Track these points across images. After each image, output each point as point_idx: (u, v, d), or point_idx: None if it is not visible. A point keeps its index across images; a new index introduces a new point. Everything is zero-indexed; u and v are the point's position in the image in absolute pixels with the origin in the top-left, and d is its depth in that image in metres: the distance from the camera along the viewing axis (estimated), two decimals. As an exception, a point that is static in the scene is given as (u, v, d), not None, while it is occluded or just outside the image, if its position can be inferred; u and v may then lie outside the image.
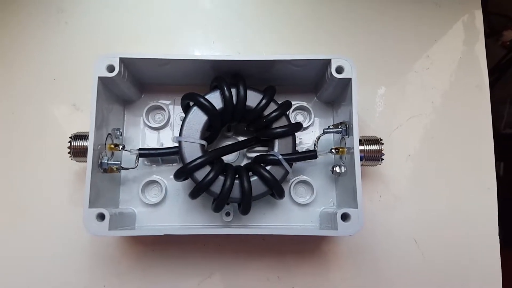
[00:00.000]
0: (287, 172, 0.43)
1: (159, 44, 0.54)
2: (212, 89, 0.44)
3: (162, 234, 0.39)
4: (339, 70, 0.41)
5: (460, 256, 0.49)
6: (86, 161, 0.39)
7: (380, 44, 0.55)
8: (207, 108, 0.42)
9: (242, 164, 0.47)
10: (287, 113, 0.45)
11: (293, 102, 0.47)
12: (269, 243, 0.49)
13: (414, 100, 0.53)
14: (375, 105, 0.53)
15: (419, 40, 0.55)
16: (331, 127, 0.45)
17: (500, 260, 0.49)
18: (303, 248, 0.49)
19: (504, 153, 0.53)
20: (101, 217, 0.39)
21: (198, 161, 0.41)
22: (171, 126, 0.50)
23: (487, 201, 0.51)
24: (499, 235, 0.50)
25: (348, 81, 0.42)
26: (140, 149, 0.45)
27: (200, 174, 0.41)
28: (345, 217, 0.39)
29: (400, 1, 0.56)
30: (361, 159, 0.41)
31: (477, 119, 0.53)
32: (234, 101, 0.42)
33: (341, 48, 0.55)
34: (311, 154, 0.44)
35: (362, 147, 0.42)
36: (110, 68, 0.41)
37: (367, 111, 0.52)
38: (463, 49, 0.55)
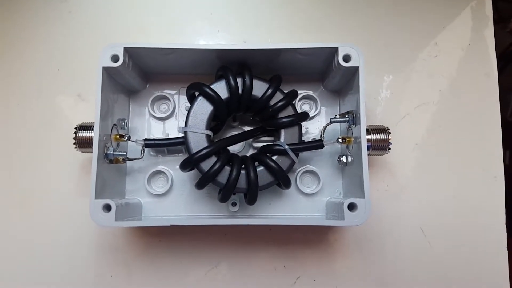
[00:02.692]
0: (293, 162, 0.43)
1: (164, 34, 0.54)
2: (217, 78, 0.44)
3: (169, 225, 0.39)
4: (346, 58, 0.41)
5: (466, 245, 0.49)
6: (91, 152, 0.39)
7: (387, 31, 0.54)
8: (212, 98, 0.42)
9: (248, 154, 0.47)
10: (293, 102, 0.44)
11: (299, 91, 0.47)
12: (275, 232, 0.49)
13: (422, 88, 0.52)
14: (382, 93, 0.52)
15: (427, 27, 0.54)
16: (338, 116, 0.45)
17: (507, 248, 0.49)
18: (309, 237, 0.49)
19: (511, 141, 0.53)
20: (107, 208, 0.39)
21: (204, 151, 0.41)
22: (176, 116, 0.49)
23: (494, 190, 0.50)
24: (505, 224, 0.50)
25: (355, 70, 0.41)
26: (145, 139, 0.44)
27: (206, 165, 0.41)
28: (352, 207, 0.39)
29: (408, -12, 0.55)
30: (368, 149, 0.40)
31: (485, 108, 0.52)
32: (240, 91, 0.42)
33: (347, 36, 0.54)
34: (317, 144, 0.43)
35: (369, 137, 0.42)
36: (115, 58, 0.40)
37: (374, 100, 0.52)
38: (472, 36, 0.54)
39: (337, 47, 0.41)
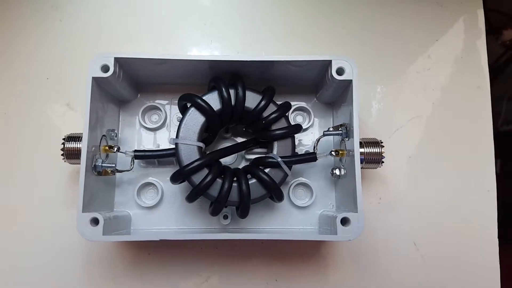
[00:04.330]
0: (286, 175, 0.42)
1: (156, 43, 0.53)
2: (210, 89, 0.43)
3: (158, 239, 0.38)
4: (340, 71, 0.40)
5: (459, 259, 0.49)
6: (79, 163, 0.38)
7: (380, 44, 0.54)
8: (204, 110, 0.41)
9: (240, 166, 0.47)
10: (287, 114, 0.44)
11: (292, 103, 0.46)
12: (267, 246, 0.48)
13: (415, 101, 0.52)
14: (375, 106, 0.52)
15: (420, 40, 0.54)
16: (331, 129, 0.44)
17: (499, 261, 0.49)
18: (302, 251, 0.48)
19: (502, 150, 0.53)
20: (95, 221, 0.38)
21: (196, 164, 0.40)
22: (167, 126, 0.49)
23: (487, 203, 0.50)
24: (497, 237, 0.49)
25: (348, 83, 0.41)
26: (135, 150, 0.44)
27: (197, 177, 0.40)
28: (344, 221, 0.38)
29: (402, 1, 0.55)
30: (361, 162, 0.40)
31: (478, 121, 0.52)
32: (233, 102, 0.41)
33: (341, 48, 0.54)
34: (310, 157, 0.43)
35: (362, 150, 0.42)
36: (105, 68, 0.40)
37: (367, 112, 0.52)
38: (464, 48, 0.54)
39: (331, 60, 0.40)
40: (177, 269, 0.48)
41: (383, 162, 0.43)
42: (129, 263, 0.48)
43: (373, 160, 0.42)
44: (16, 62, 0.52)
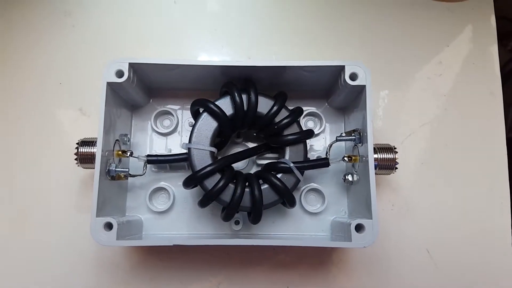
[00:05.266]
0: (298, 180, 0.42)
1: (168, 48, 0.53)
2: (222, 94, 0.43)
3: (171, 244, 0.38)
4: (353, 77, 0.40)
5: (473, 267, 0.48)
6: (93, 168, 0.38)
7: (391, 50, 0.54)
8: (217, 115, 0.41)
9: (252, 172, 0.46)
10: (298, 119, 0.44)
11: (303, 108, 0.46)
12: (279, 252, 0.48)
13: (427, 107, 0.52)
14: (387, 111, 0.52)
15: (431, 46, 0.54)
16: (344, 134, 0.44)
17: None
18: (313, 257, 0.48)
19: (509, 157, 0.52)
20: (108, 226, 0.38)
21: (208, 169, 0.40)
22: (179, 132, 0.49)
23: (501, 210, 0.49)
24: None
25: (361, 88, 0.41)
26: (148, 155, 0.44)
27: (209, 182, 0.40)
28: (359, 228, 0.38)
29: (412, 7, 0.55)
30: (375, 168, 0.40)
31: (491, 127, 0.52)
32: (245, 108, 0.42)
33: (352, 53, 0.54)
34: (323, 162, 0.43)
35: (376, 156, 0.41)
36: (119, 74, 0.40)
37: (379, 118, 0.51)
38: (476, 54, 0.54)
39: (344, 66, 0.40)
40: (188, 274, 0.48)
41: (396, 168, 0.43)
42: (139, 267, 0.47)
43: (387, 166, 0.42)
44: (29, 68, 0.52)
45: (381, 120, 0.51)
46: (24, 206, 0.49)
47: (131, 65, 0.40)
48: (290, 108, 0.43)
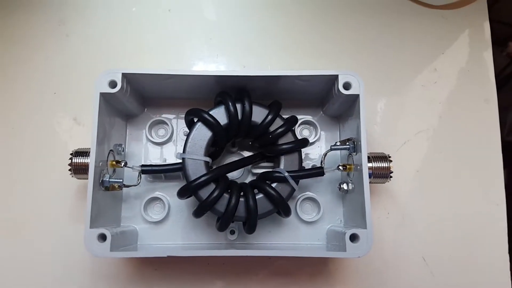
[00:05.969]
0: (293, 190, 0.42)
1: (162, 58, 0.53)
2: (216, 104, 0.43)
3: (165, 256, 0.38)
4: (347, 86, 0.40)
5: (469, 275, 0.48)
6: (87, 179, 0.38)
7: (386, 57, 0.54)
8: (211, 124, 0.41)
9: (247, 181, 0.46)
10: (293, 128, 0.44)
11: (298, 116, 0.46)
12: (274, 261, 0.48)
13: (422, 115, 0.52)
14: (382, 119, 0.52)
15: (426, 53, 0.54)
16: (338, 143, 0.44)
17: (510, 277, 0.48)
18: (309, 266, 0.48)
19: (508, 160, 0.52)
20: (102, 237, 0.37)
21: (203, 179, 0.40)
22: (174, 141, 0.49)
23: (497, 217, 0.49)
24: (508, 252, 0.49)
25: (355, 97, 0.41)
26: (142, 165, 0.44)
27: (204, 192, 0.40)
28: (353, 238, 0.38)
29: (406, 14, 0.56)
30: (369, 177, 0.40)
31: (486, 134, 0.52)
32: (239, 117, 0.41)
33: (346, 62, 0.54)
34: (318, 171, 0.42)
35: (370, 164, 0.41)
36: (112, 84, 0.40)
37: (374, 126, 0.51)
38: (471, 61, 0.54)
39: (337, 75, 0.40)
40: (184, 285, 0.47)
41: (391, 177, 0.43)
42: (134, 278, 0.47)
43: (381, 175, 0.42)
44: (23, 77, 0.52)
45: (375, 128, 0.51)
46: (17, 216, 0.48)
47: (124, 76, 0.40)
48: (285, 117, 0.43)
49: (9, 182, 0.49)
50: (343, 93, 0.40)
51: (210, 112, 0.42)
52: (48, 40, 0.54)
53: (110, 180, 0.41)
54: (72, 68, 0.53)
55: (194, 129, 0.42)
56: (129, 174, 0.46)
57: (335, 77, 0.41)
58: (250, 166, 0.47)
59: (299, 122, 0.48)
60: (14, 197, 0.49)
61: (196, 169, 0.41)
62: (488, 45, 0.55)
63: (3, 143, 0.50)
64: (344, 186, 0.44)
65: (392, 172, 0.42)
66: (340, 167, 0.43)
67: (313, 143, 0.49)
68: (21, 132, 0.51)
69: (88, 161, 0.41)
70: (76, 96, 0.51)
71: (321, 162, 0.44)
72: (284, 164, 0.43)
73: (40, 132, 0.51)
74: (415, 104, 0.52)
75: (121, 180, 0.42)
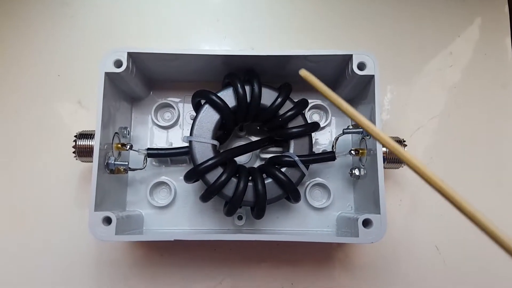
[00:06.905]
0: (303, 175, 0.41)
1: (168, 39, 0.52)
2: (224, 86, 0.42)
3: (172, 239, 0.37)
4: (361, 66, 0.39)
5: (482, 264, 0.47)
6: (91, 161, 0.37)
7: (400, 40, 0.52)
8: (219, 107, 0.40)
9: (255, 166, 0.45)
10: (303, 112, 0.42)
11: (309, 100, 0.45)
12: (283, 248, 0.47)
13: (436, 99, 0.50)
14: (395, 104, 0.50)
15: (442, 36, 0.52)
16: (351, 127, 0.43)
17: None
18: (318, 253, 0.47)
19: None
20: (107, 221, 0.36)
21: (210, 162, 0.39)
22: (180, 125, 0.47)
23: (511, 205, 0.48)
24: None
25: (369, 79, 0.39)
26: (148, 149, 0.42)
27: (212, 176, 0.39)
28: (366, 223, 0.37)
29: (422, -5, 0.54)
30: (383, 161, 0.38)
31: (502, 120, 0.50)
32: (248, 99, 0.40)
33: (358, 44, 0.52)
34: (329, 156, 0.41)
35: (384, 149, 0.40)
36: (118, 63, 0.38)
37: (387, 110, 0.50)
38: (488, 45, 0.52)
39: (351, 55, 0.39)
40: (190, 271, 0.46)
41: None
42: (140, 263, 0.46)
43: (395, 160, 0.41)
44: (27, 59, 0.51)
45: (389, 113, 0.50)
46: (21, 201, 0.47)
47: (130, 55, 0.39)
48: (295, 100, 0.42)
49: (12, 166, 0.48)
50: (357, 74, 0.38)
51: (218, 94, 0.40)
52: (52, 22, 0.52)
53: (115, 163, 0.40)
54: (77, 50, 0.51)
55: (202, 111, 0.40)
56: (135, 159, 0.44)
57: (349, 58, 0.39)
58: (258, 151, 0.46)
59: (309, 106, 0.47)
60: (18, 181, 0.48)
61: (204, 152, 0.40)
62: (507, 28, 0.53)
63: (7, 127, 0.49)
64: (356, 171, 0.43)
65: (406, 157, 0.41)
66: (352, 151, 0.42)
67: (323, 127, 0.47)
68: (25, 115, 0.50)
69: (92, 143, 0.40)
70: (81, 78, 0.50)
71: (333, 146, 0.43)
72: (294, 149, 0.41)
73: (44, 115, 0.49)
74: (430, 89, 0.51)
75: (126, 163, 0.41)
